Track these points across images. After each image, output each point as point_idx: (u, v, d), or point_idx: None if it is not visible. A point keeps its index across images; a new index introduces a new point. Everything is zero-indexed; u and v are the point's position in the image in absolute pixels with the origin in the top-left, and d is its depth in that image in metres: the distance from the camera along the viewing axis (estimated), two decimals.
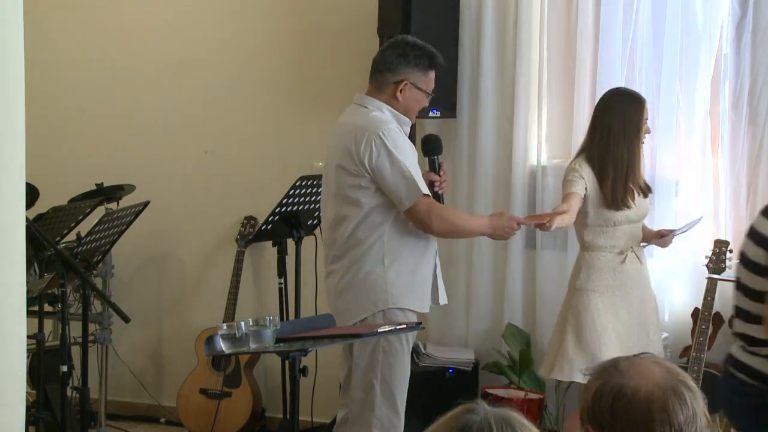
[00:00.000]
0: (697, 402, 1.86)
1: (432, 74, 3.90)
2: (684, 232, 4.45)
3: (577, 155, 4.33)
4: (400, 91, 3.83)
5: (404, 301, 3.81)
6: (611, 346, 4.21)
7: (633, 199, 4.26)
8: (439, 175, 4.01)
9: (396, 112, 3.85)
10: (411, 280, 3.85)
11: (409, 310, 3.85)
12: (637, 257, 4.32)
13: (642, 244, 4.38)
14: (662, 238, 4.40)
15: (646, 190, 4.34)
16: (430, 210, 3.78)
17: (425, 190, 3.77)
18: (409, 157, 3.79)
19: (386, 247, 3.80)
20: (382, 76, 3.86)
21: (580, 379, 4.31)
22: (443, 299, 4.03)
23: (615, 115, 4.22)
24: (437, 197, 3.97)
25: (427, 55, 3.87)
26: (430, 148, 4.09)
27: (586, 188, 4.20)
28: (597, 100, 5.03)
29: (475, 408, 1.67)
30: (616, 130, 4.20)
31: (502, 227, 3.93)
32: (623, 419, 1.85)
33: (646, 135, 4.30)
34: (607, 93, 4.36)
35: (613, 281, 4.28)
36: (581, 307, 4.28)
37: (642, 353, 1.98)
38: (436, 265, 3.98)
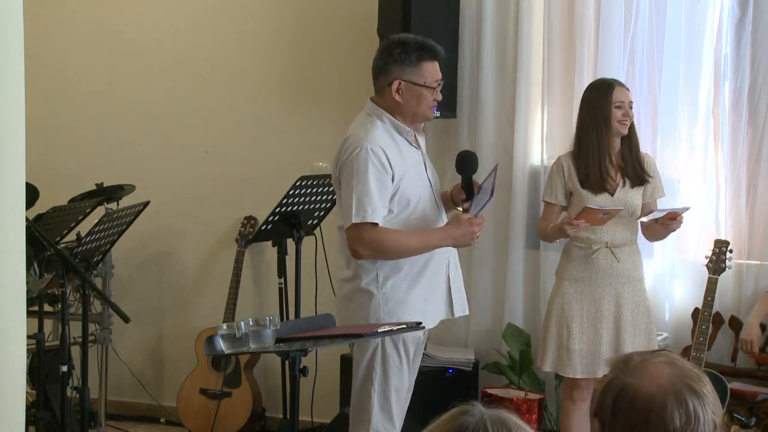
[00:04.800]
0: (703, 408, 1.83)
1: (427, 65, 3.73)
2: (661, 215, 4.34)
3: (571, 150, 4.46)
4: (398, 92, 3.71)
5: (401, 317, 3.72)
6: (575, 335, 4.32)
7: (613, 188, 4.30)
8: (468, 193, 3.85)
9: (397, 121, 3.75)
10: (409, 294, 3.76)
11: None
12: (612, 253, 4.32)
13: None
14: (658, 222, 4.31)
15: (637, 180, 4.34)
16: (357, 236, 3.63)
17: (372, 218, 3.62)
18: (370, 181, 3.62)
19: (381, 261, 3.73)
20: (378, 81, 3.78)
21: (549, 367, 4.38)
22: (460, 311, 3.92)
23: (584, 107, 4.36)
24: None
25: (413, 48, 3.72)
26: (460, 166, 3.93)
27: (563, 185, 4.36)
28: None
29: (471, 409, 1.67)
30: (586, 122, 4.32)
31: (463, 235, 3.71)
32: (621, 420, 1.84)
33: (626, 119, 4.28)
34: None
35: (583, 272, 4.35)
36: (553, 293, 4.44)
37: (661, 350, 1.97)
38: (449, 276, 3.87)
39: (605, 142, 4.28)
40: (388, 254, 3.71)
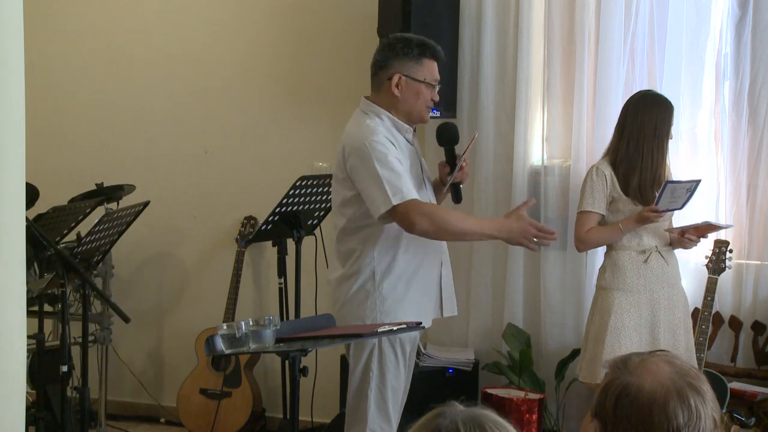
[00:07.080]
0: (704, 405, 1.84)
1: (427, 63, 3.75)
2: (686, 202, 4.36)
3: (603, 156, 4.42)
4: (397, 87, 3.71)
5: (398, 316, 3.71)
6: (633, 346, 4.24)
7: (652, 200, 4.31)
8: (452, 166, 3.85)
9: (395, 118, 3.75)
10: (406, 293, 3.75)
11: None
12: (662, 257, 4.35)
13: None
14: (681, 236, 4.36)
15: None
16: (412, 209, 3.55)
17: (410, 195, 3.57)
18: (395, 165, 3.60)
19: (377, 260, 3.72)
20: (377, 77, 3.79)
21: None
22: (450, 311, 3.92)
23: (647, 116, 4.29)
24: (456, 189, 3.89)
25: (415, 44, 3.74)
26: (440, 137, 3.93)
27: (606, 193, 4.32)
28: (598, 100, 5.03)
29: (444, 411, 1.65)
30: (647, 131, 4.28)
31: (521, 229, 3.62)
32: (624, 418, 1.85)
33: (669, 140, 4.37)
34: (636, 95, 4.42)
35: (637, 280, 4.32)
36: (604, 306, 4.34)
37: (658, 351, 1.97)
38: (441, 275, 3.87)
39: (665, 153, 4.31)
40: (447, 228, 3.60)
